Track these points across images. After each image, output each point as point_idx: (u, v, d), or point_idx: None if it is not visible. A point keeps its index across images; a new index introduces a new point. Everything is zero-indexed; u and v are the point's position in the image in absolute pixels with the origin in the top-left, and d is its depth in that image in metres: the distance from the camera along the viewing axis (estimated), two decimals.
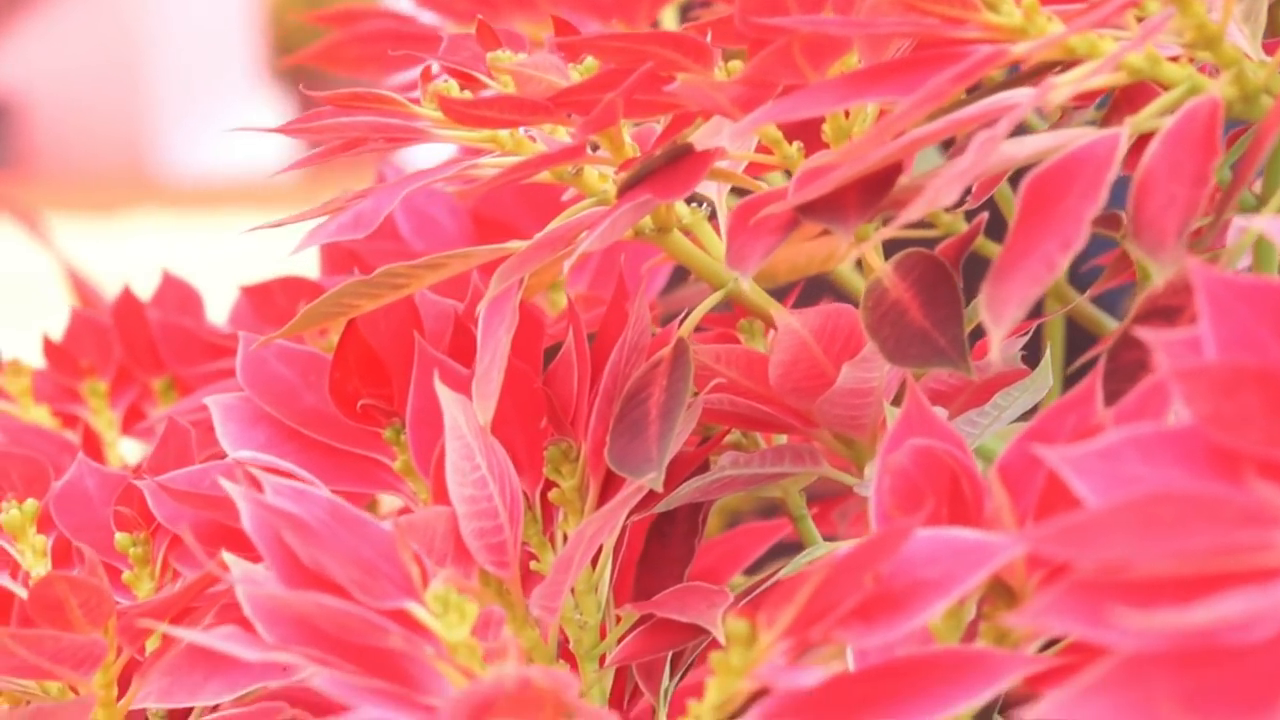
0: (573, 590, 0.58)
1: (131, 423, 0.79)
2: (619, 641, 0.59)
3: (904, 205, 0.52)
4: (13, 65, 7.08)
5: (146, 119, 7.19)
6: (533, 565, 0.59)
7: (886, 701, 0.47)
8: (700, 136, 0.57)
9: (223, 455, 0.62)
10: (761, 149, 0.58)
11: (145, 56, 7.23)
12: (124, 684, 0.58)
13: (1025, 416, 0.61)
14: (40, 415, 0.77)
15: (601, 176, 0.59)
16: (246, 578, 0.50)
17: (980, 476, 0.50)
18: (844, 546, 0.48)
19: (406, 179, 0.58)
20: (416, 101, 0.58)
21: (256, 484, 0.53)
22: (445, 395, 0.56)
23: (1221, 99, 0.51)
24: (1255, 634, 0.40)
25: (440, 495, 0.56)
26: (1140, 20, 0.52)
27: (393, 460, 0.62)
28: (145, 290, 0.81)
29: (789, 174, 0.57)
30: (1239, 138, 0.61)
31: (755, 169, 0.59)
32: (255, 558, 0.52)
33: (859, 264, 0.78)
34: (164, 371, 0.78)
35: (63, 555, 0.62)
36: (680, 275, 0.81)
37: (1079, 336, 0.75)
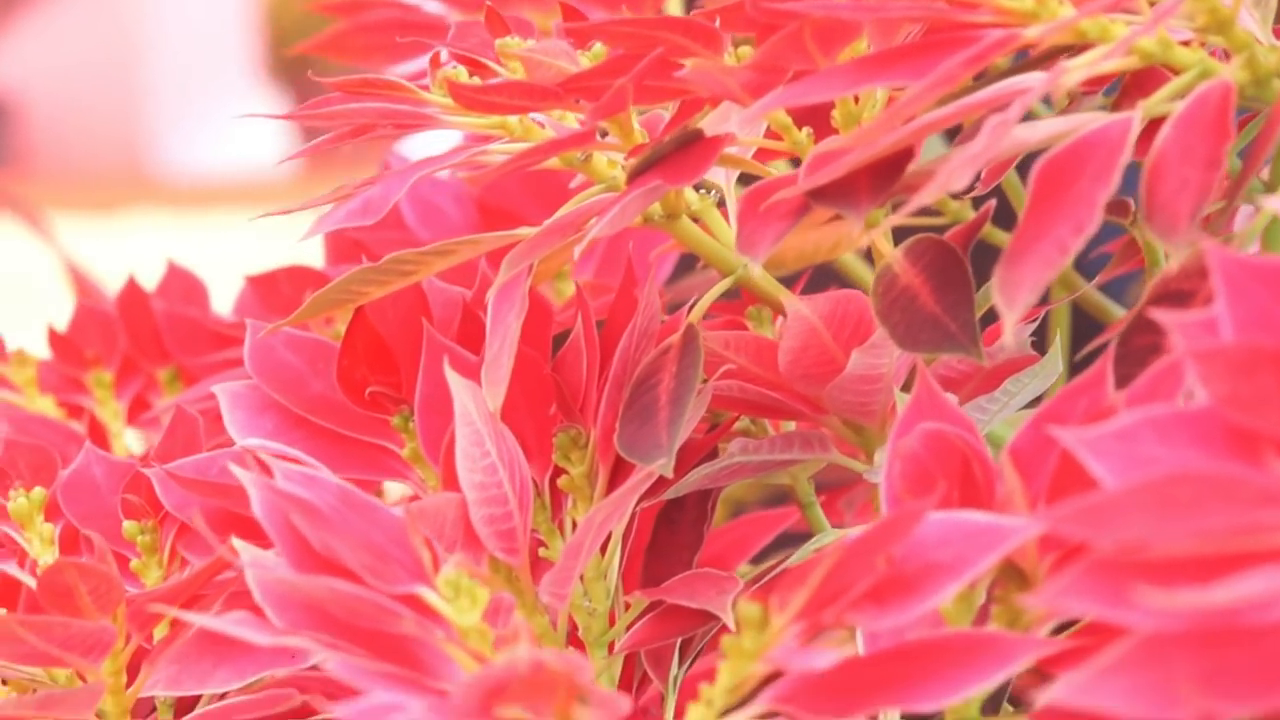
0: (581, 577, 0.58)
1: (136, 413, 0.78)
2: (628, 629, 0.59)
3: (915, 190, 0.51)
4: (10, 64, 7.08)
5: (144, 118, 7.19)
6: (541, 552, 0.59)
7: (899, 684, 0.47)
8: (709, 123, 0.57)
9: (230, 444, 0.62)
10: (771, 135, 0.58)
11: (143, 56, 7.23)
12: (132, 672, 0.58)
13: (1031, 404, 0.61)
14: (45, 406, 0.77)
15: (610, 163, 0.58)
16: (256, 563, 0.50)
17: (991, 461, 0.50)
18: (854, 532, 0.48)
19: (415, 165, 0.58)
20: (425, 88, 0.58)
21: (266, 470, 0.52)
22: (455, 381, 0.56)
23: (1233, 83, 0.51)
24: (1275, 614, 0.40)
25: (450, 481, 0.56)
26: (1152, 4, 0.52)
27: (401, 447, 0.61)
28: (145, 287, 0.80)
29: (795, 163, 0.57)
30: (1246, 125, 0.61)
31: (765, 155, 0.59)
32: (264, 546, 0.52)
33: (865, 253, 0.78)
34: (169, 362, 0.78)
35: (70, 544, 0.62)
36: (685, 265, 0.80)
37: (1084, 324, 0.75)
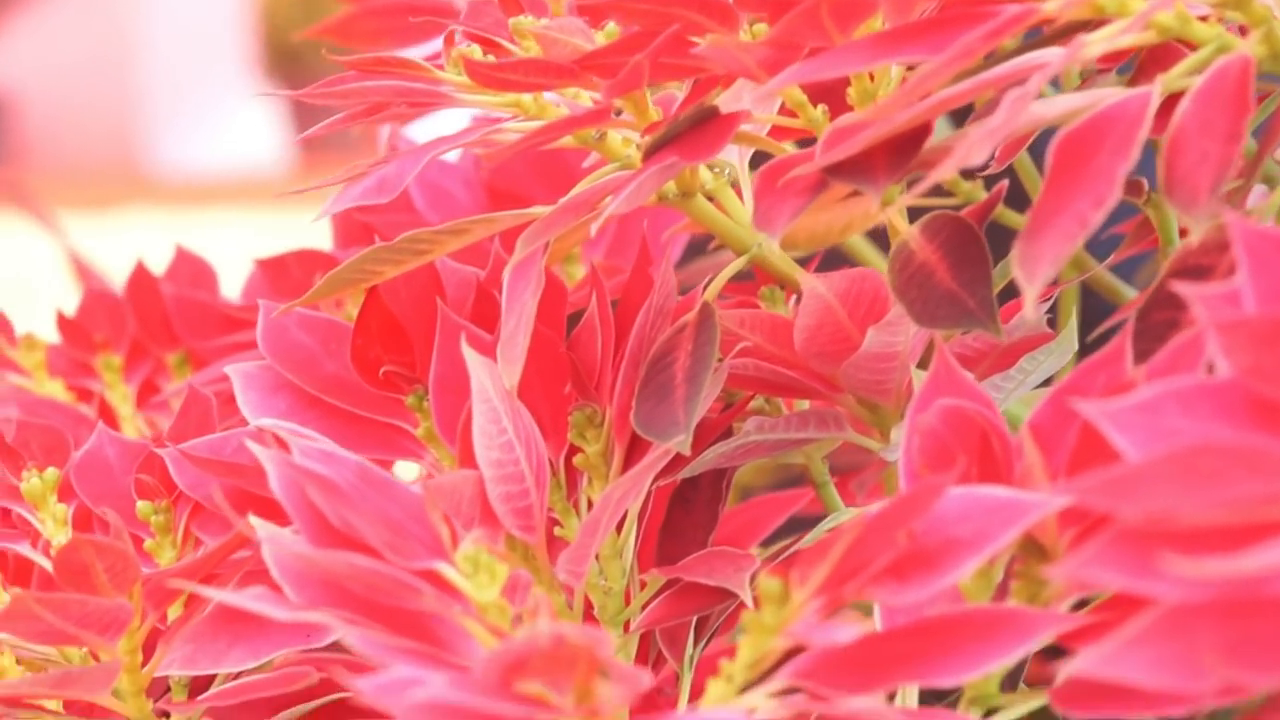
0: (597, 556, 0.58)
1: (146, 397, 0.78)
2: (643, 607, 0.59)
3: (932, 166, 0.51)
4: (5, 62, 7.07)
5: (139, 115, 7.18)
6: (556, 531, 0.59)
7: (919, 660, 0.47)
8: (724, 101, 0.57)
9: (242, 425, 0.62)
10: (785, 113, 0.58)
11: (138, 53, 7.22)
12: (147, 652, 0.58)
13: (1043, 385, 0.61)
14: (55, 389, 0.77)
15: (625, 141, 0.58)
16: (273, 539, 0.50)
17: (1010, 436, 0.50)
18: (872, 508, 0.48)
19: (430, 144, 0.58)
20: (440, 68, 0.58)
21: (284, 448, 0.52)
22: (472, 358, 0.56)
23: (1252, 57, 0.51)
24: None
25: (467, 459, 0.56)
26: None
27: (415, 427, 0.61)
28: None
29: (803, 144, 0.57)
30: (1261, 103, 0.61)
31: (780, 133, 0.59)
32: (279, 525, 0.52)
33: (874, 236, 0.78)
34: (178, 346, 0.78)
35: (83, 524, 0.61)
36: (693, 250, 0.80)
37: (1092, 306, 0.75)
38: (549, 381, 0.59)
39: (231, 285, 0.82)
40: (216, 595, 0.49)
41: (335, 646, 0.59)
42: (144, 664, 0.57)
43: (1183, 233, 0.64)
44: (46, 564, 0.60)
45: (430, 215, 0.75)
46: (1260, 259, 0.44)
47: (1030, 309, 0.48)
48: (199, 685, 0.60)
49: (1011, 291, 0.57)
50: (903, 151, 0.52)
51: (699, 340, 0.56)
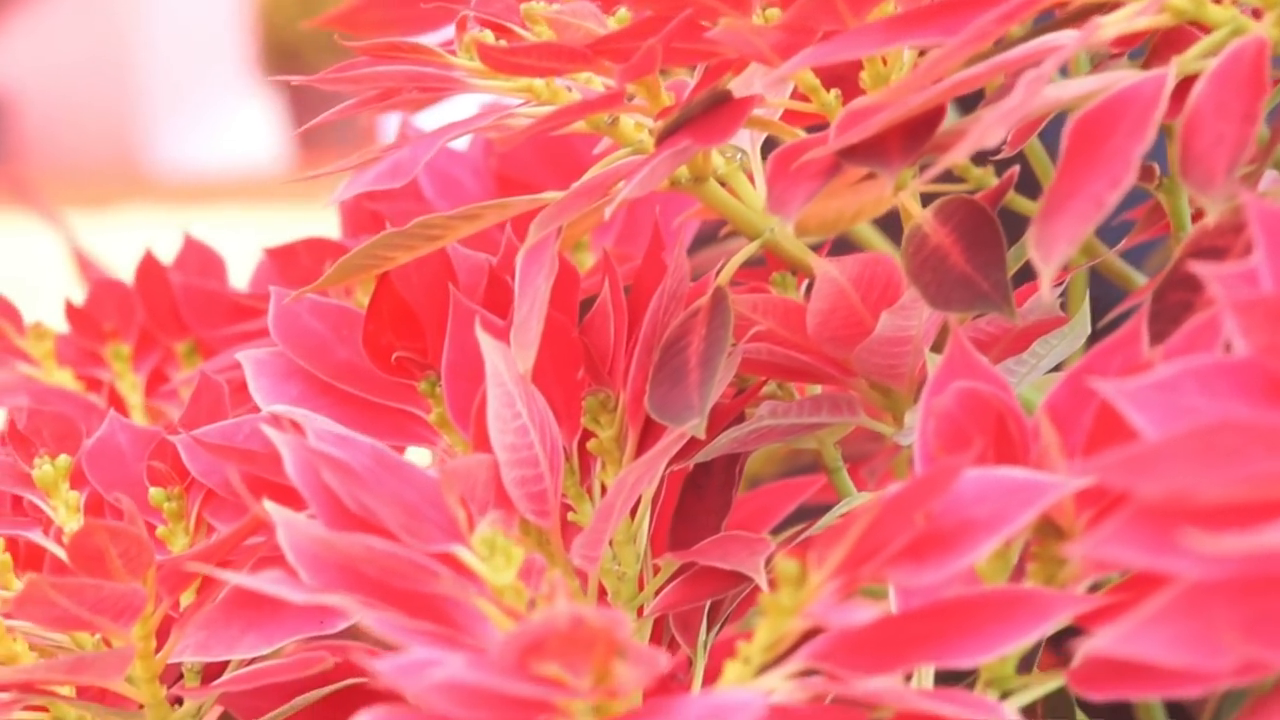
0: (611, 542, 0.58)
1: (155, 386, 0.78)
2: (657, 593, 0.59)
3: (946, 149, 0.51)
4: (4, 62, 7.06)
5: (138, 115, 7.18)
6: (570, 517, 0.59)
7: (936, 641, 0.47)
8: (737, 86, 0.57)
9: (254, 412, 0.62)
10: (798, 98, 0.58)
11: (136, 53, 7.21)
12: (159, 639, 0.58)
13: (1054, 370, 0.61)
14: (64, 379, 0.77)
15: (637, 126, 0.58)
16: (289, 523, 0.50)
17: (1025, 418, 0.50)
18: (890, 489, 0.48)
19: (443, 129, 0.58)
20: (451, 53, 0.58)
21: (299, 432, 0.52)
22: (486, 342, 0.56)
23: (1267, 39, 0.51)
24: None
25: (481, 444, 0.56)
26: None
27: (427, 413, 0.61)
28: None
29: (815, 130, 0.57)
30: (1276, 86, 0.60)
31: (792, 118, 0.59)
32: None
33: (882, 224, 0.78)
34: (187, 335, 0.78)
35: (95, 511, 0.61)
36: (700, 240, 0.80)
37: (1103, 292, 0.75)
38: (562, 367, 0.59)
39: (232, 283, 0.81)
40: (233, 578, 0.49)
41: (345, 635, 0.59)
42: (157, 650, 0.57)
43: (1195, 218, 0.64)
44: (59, 551, 0.60)
45: (439, 203, 0.75)
46: (1277, 238, 0.44)
47: (1046, 290, 0.48)
48: (211, 672, 0.60)
49: (1023, 277, 0.57)
50: (917, 134, 0.52)
51: (712, 324, 0.56)
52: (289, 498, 0.51)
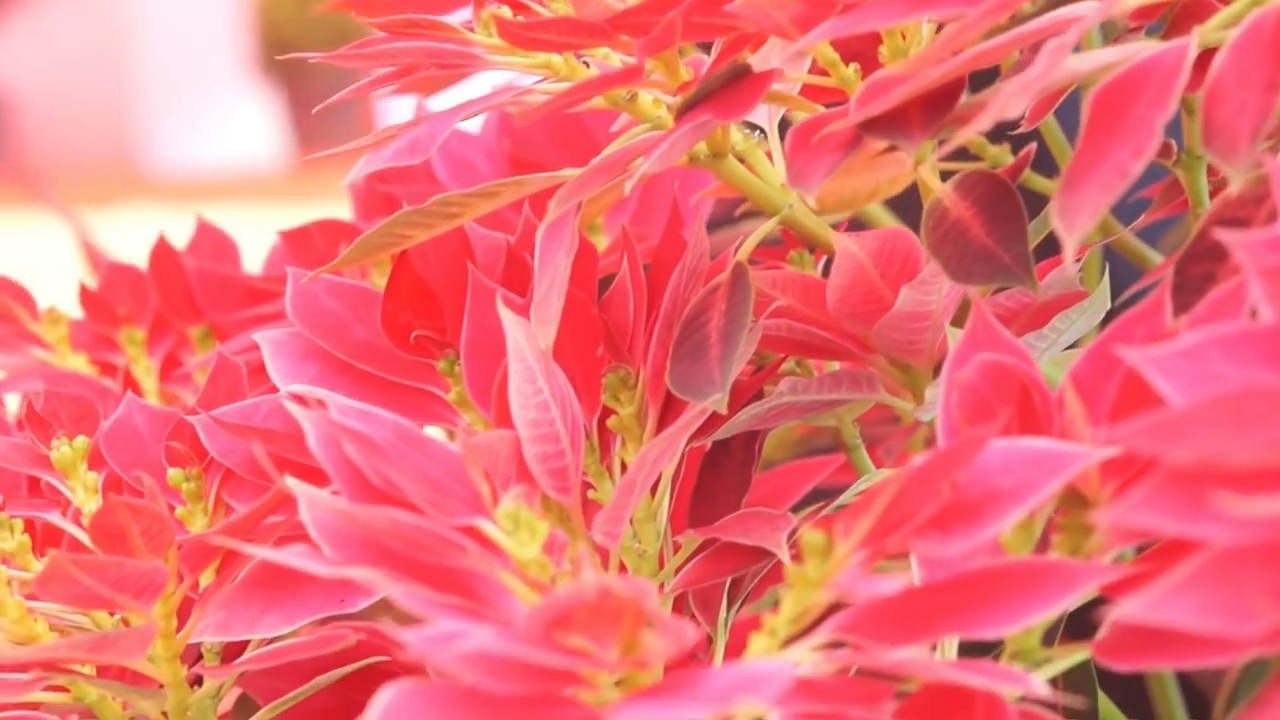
0: (631, 520, 0.58)
1: (169, 371, 0.78)
2: (677, 571, 0.59)
3: (967, 121, 0.51)
4: (1, 61, 7.06)
5: (136, 114, 7.18)
6: (590, 494, 0.59)
7: (962, 612, 0.47)
8: (756, 61, 0.57)
9: (272, 393, 0.62)
10: (816, 72, 0.58)
11: (134, 52, 7.21)
12: (180, 619, 0.58)
13: (1071, 347, 0.61)
14: (78, 363, 0.77)
15: (655, 102, 0.58)
16: (312, 500, 0.50)
17: (1049, 389, 0.50)
18: (915, 460, 0.48)
19: (460, 106, 0.57)
20: (470, 30, 0.58)
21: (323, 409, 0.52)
22: (508, 317, 0.56)
23: None
24: None
25: (502, 420, 0.56)
26: None
27: (446, 392, 0.61)
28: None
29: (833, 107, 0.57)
30: None
31: (811, 93, 0.59)
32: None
33: (894, 204, 0.78)
34: (201, 319, 0.78)
35: (113, 492, 0.61)
36: (714, 223, 0.80)
37: (1118, 271, 0.75)
38: (582, 344, 0.59)
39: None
40: (259, 552, 0.49)
41: (364, 616, 0.59)
42: (178, 630, 0.57)
43: (1213, 194, 0.64)
44: (77, 532, 0.60)
45: (452, 186, 0.75)
46: None
47: (1070, 260, 0.48)
48: (231, 652, 0.60)
49: (1040, 254, 0.57)
50: (938, 106, 0.52)
51: (733, 300, 0.56)
52: (309, 477, 0.51)
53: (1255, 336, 0.44)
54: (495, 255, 0.61)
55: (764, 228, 0.58)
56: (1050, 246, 0.59)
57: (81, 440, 0.60)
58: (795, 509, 0.69)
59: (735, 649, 0.58)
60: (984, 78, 0.59)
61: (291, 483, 0.51)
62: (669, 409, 0.58)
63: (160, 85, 7.25)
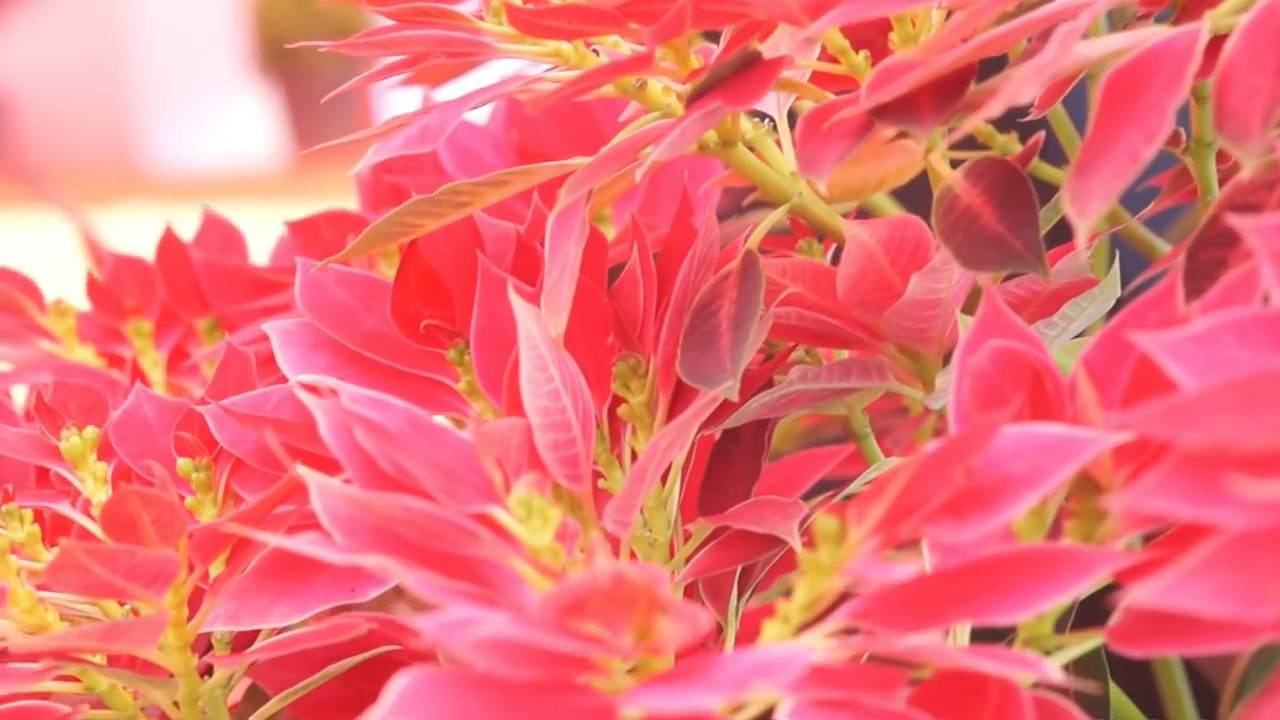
0: (641, 509, 0.58)
1: (176, 363, 0.78)
2: (687, 560, 0.59)
3: (978, 107, 0.51)
4: (0, 60, 7.06)
5: (134, 112, 7.17)
6: (600, 483, 0.59)
7: (975, 598, 0.47)
8: (765, 48, 0.57)
9: (282, 383, 0.62)
10: (826, 59, 0.58)
11: (132, 50, 7.21)
12: (190, 609, 0.58)
13: (1080, 336, 0.61)
14: (85, 355, 0.77)
15: (665, 90, 0.58)
16: (323, 487, 0.50)
17: (1061, 376, 0.50)
18: (928, 446, 0.48)
19: (470, 95, 0.57)
20: (480, 18, 0.58)
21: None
22: (519, 305, 0.56)
23: None
24: None
25: (513, 409, 0.56)
26: None
27: (456, 381, 0.61)
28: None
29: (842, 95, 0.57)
30: None
31: (821, 80, 0.59)
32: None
33: (899, 197, 0.78)
34: (208, 311, 0.78)
35: (123, 482, 0.61)
36: (719, 215, 0.80)
37: (1126, 260, 0.75)
38: (592, 332, 0.59)
39: None
40: (271, 539, 0.49)
41: (373, 606, 0.59)
42: (189, 619, 0.57)
43: (1221, 182, 0.64)
44: (86, 522, 0.60)
45: (459, 177, 0.74)
46: None
47: (1082, 245, 0.48)
48: (241, 643, 0.59)
49: (1048, 243, 0.57)
50: (949, 92, 0.52)
51: (743, 287, 0.56)
52: (319, 468, 0.51)
53: (1268, 321, 0.44)
54: (505, 244, 0.61)
55: (773, 216, 0.58)
56: (1057, 235, 0.59)
57: (91, 431, 0.60)
58: (803, 500, 0.69)
59: (745, 639, 0.58)
60: (986, 70, 0.59)
61: (303, 470, 0.51)
62: (679, 397, 0.58)
63: (159, 84, 7.24)
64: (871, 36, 0.57)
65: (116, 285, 0.78)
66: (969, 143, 0.65)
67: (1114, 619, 0.46)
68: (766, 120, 0.60)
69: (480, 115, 0.77)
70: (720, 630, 0.60)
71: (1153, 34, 0.51)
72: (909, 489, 0.46)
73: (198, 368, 0.77)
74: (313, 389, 0.55)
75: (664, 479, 0.58)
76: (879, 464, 0.61)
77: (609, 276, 0.61)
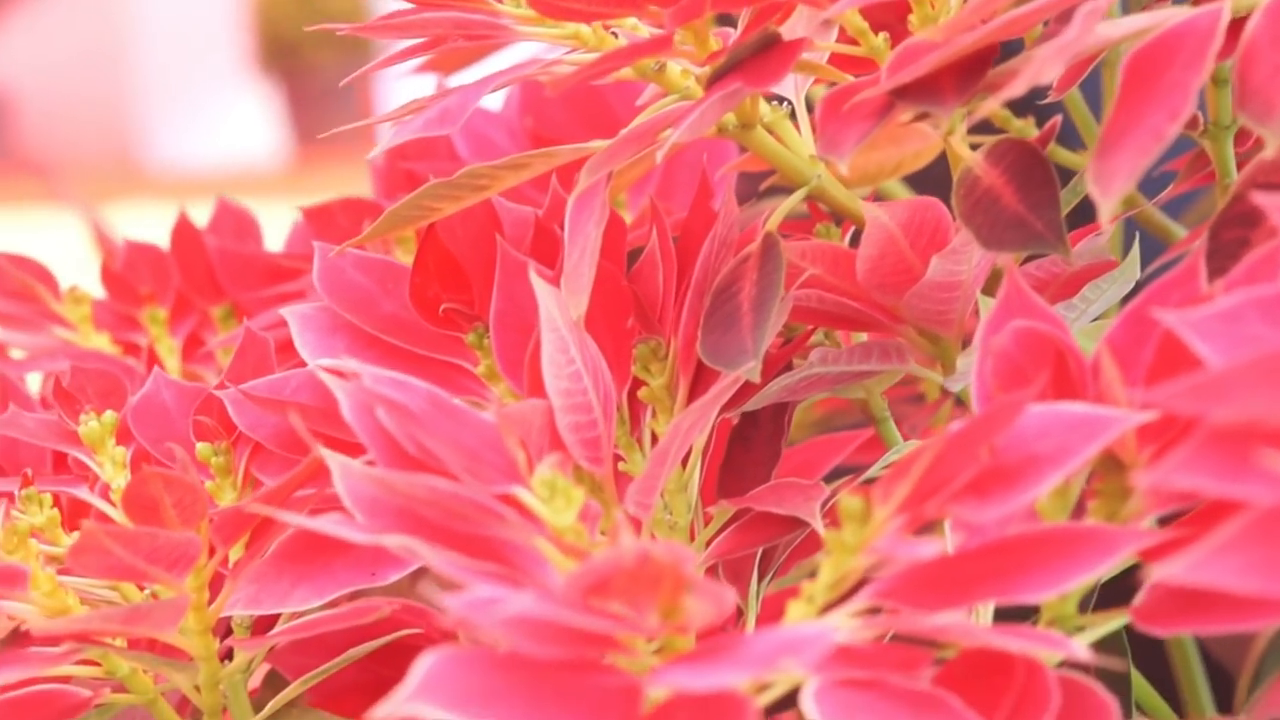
0: (662, 492, 0.58)
1: (191, 350, 0.78)
2: (709, 543, 0.59)
3: (999, 88, 0.51)
4: (0, 59, 7.06)
5: (134, 111, 7.17)
6: (621, 466, 0.59)
7: (1000, 577, 0.47)
8: (784, 30, 0.57)
9: (300, 367, 0.61)
10: (845, 42, 0.58)
11: (132, 49, 7.21)
12: (210, 593, 0.58)
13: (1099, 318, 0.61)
14: (101, 343, 0.77)
15: (684, 73, 0.58)
16: (346, 469, 0.49)
17: (1084, 356, 0.50)
18: (952, 426, 0.48)
19: (489, 77, 0.57)
20: (499, 1, 0.58)
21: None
22: (540, 287, 0.56)
23: None
24: None
25: (535, 391, 0.56)
26: None
27: (475, 365, 0.61)
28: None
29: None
30: None
31: (840, 63, 0.59)
32: None
33: (912, 182, 0.78)
34: (223, 298, 0.78)
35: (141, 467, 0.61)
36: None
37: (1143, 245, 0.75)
38: (612, 315, 0.59)
39: None
40: (295, 520, 0.49)
41: (392, 590, 0.59)
42: (209, 603, 0.57)
43: (1239, 166, 0.64)
44: (105, 507, 0.60)
45: (474, 163, 0.74)
46: None
47: (1106, 223, 0.48)
48: (261, 627, 0.59)
49: (1068, 225, 0.57)
50: (971, 72, 0.52)
51: (764, 269, 0.56)
52: (339, 451, 0.51)
53: None
54: (523, 228, 0.61)
55: (792, 198, 0.58)
56: (1074, 219, 0.59)
57: (110, 415, 0.60)
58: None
59: (766, 622, 0.58)
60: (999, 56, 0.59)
61: (325, 452, 0.51)
62: (700, 380, 0.58)
63: (159, 82, 7.24)
64: (890, 18, 0.57)
65: (131, 273, 0.78)
66: (985, 128, 0.65)
67: (1138, 598, 0.46)
68: (784, 104, 0.60)
69: (494, 102, 0.77)
70: (740, 614, 0.60)
71: (1174, 14, 0.51)
72: (934, 468, 0.46)
73: (213, 355, 0.77)
74: (334, 371, 0.55)
75: (684, 462, 0.58)
76: (899, 447, 0.61)
77: (627, 260, 0.61)
